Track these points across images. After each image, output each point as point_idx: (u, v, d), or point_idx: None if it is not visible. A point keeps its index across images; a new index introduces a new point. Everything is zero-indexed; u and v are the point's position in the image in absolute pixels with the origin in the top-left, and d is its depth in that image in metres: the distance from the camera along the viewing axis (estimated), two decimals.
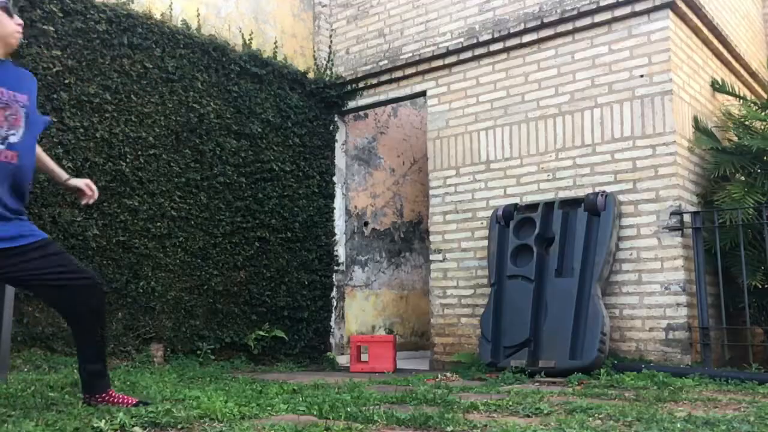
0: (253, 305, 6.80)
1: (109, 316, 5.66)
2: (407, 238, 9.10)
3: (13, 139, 2.72)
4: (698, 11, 6.03)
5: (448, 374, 5.55)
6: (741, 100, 6.59)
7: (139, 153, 5.96)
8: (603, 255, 5.54)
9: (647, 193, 5.66)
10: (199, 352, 6.19)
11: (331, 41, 8.22)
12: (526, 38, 6.45)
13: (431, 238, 6.93)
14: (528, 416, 3.07)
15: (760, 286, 5.71)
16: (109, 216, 5.71)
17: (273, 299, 6.97)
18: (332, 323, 7.63)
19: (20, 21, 2.89)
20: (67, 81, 5.50)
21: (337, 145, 7.98)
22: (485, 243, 6.35)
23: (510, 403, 3.40)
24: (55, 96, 5.42)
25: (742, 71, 7.23)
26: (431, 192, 6.97)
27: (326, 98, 7.78)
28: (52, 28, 5.43)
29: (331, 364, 7.01)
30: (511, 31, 6.49)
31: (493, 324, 5.84)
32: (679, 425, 2.67)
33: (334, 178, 7.88)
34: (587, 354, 5.25)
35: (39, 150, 3.03)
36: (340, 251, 7.87)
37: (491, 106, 6.63)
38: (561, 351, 5.37)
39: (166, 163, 6.16)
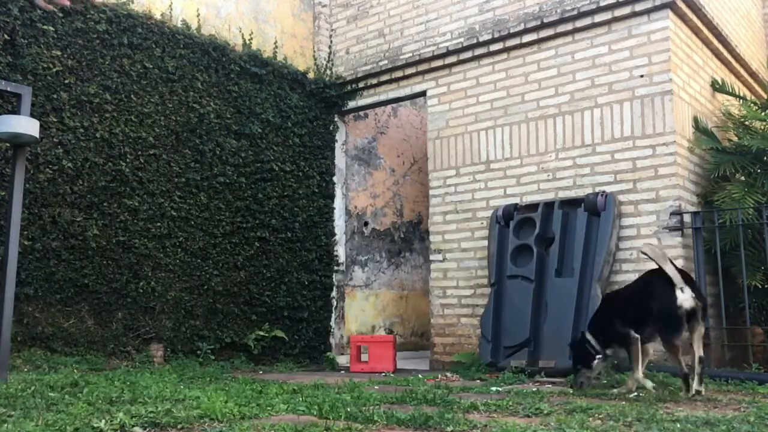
0: (253, 305, 6.80)
1: (109, 316, 5.67)
2: (407, 238, 9.10)
3: None
4: (698, 11, 6.03)
5: (448, 374, 5.55)
6: (741, 100, 6.59)
7: (139, 153, 5.96)
8: (603, 255, 5.54)
9: (647, 193, 5.66)
10: (199, 352, 6.19)
11: (331, 41, 8.22)
12: (526, 38, 6.45)
13: (431, 238, 6.93)
14: (528, 416, 3.07)
15: (760, 286, 5.71)
16: (109, 216, 5.71)
17: (273, 299, 6.97)
18: (332, 323, 7.62)
19: None
20: (67, 81, 5.50)
21: (337, 145, 7.98)
22: (485, 243, 6.35)
23: (510, 403, 3.40)
24: (55, 96, 5.42)
25: (742, 71, 7.23)
26: (431, 192, 6.96)
27: (326, 98, 7.78)
28: (52, 28, 5.43)
29: (331, 364, 7.01)
30: (511, 31, 6.49)
31: (493, 324, 5.84)
32: (679, 425, 2.67)
33: (334, 178, 7.88)
34: None
35: None
36: (340, 251, 7.87)
37: (491, 106, 6.63)
38: (561, 351, 5.36)
39: (166, 163, 6.16)
